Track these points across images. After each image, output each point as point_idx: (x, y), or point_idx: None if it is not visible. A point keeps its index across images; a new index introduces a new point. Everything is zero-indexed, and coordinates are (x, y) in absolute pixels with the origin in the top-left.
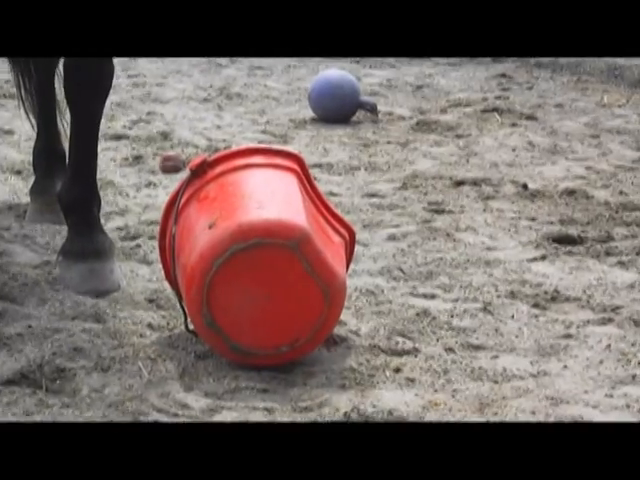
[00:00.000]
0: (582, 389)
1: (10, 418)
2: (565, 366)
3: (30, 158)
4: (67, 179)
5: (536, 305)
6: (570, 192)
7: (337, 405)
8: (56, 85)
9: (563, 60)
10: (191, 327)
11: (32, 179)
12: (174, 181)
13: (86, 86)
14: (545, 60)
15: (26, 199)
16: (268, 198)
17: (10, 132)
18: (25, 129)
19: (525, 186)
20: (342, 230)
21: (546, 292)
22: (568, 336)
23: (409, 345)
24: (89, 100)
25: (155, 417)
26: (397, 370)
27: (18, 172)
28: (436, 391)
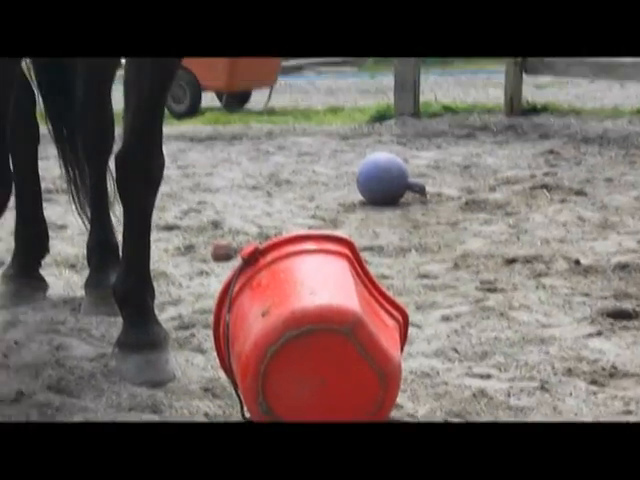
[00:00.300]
0: None
1: None
2: None
3: (83, 252)
4: (121, 271)
5: (594, 382)
6: (623, 266)
7: None
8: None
9: (610, 134)
10: (247, 415)
11: (86, 272)
12: (226, 269)
13: (137, 180)
14: (592, 135)
15: (81, 292)
16: (320, 284)
17: (63, 227)
18: (78, 223)
19: (577, 262)
20: (395, 313)
21: (603, 368)
22: (628, 412)
23: None
24: (141, 193)
25: None
26: None
27: (72, 266)
28: None
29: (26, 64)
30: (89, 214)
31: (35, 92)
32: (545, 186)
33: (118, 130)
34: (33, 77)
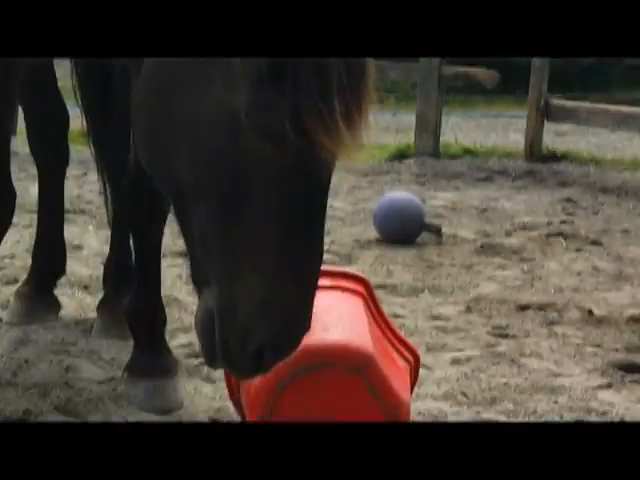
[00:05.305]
0: None
1: None
2: None
3: (97, 273)
4: (132, 296)
5: None
6: (636, 319)
7: None
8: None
9: (629, 186)
10: None
11: (100, 294)
12: None
13: (146, 208)
14: (611, 185)
15: (93, 314)
16: (334, 322)
17: (79, 247)
18: (94, 245)
19: (590, 312)
20: (407, 354)
21: (612, 421)
22: None
23: None
24: (150, 221)
25: None
26: None
27: (86, 287)
28: None
29: (73, 88)
30: (110, 236)
31: (69, 114)
32: (561, 234)
33: None
34: (78, 99)
